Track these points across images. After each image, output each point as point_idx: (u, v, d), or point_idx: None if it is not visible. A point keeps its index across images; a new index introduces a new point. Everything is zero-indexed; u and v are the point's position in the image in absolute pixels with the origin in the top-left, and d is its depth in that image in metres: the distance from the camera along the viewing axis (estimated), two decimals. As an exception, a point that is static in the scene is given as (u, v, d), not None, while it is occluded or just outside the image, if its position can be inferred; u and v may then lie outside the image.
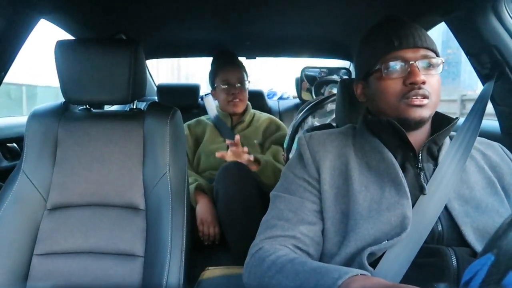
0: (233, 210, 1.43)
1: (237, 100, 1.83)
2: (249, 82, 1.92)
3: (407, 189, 0.79)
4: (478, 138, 0.93)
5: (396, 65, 0.83)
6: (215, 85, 1.88)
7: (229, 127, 1.86)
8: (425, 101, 0.81)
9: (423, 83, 0.80)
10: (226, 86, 1.83)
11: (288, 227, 0.80)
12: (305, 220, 0.81)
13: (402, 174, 0.81)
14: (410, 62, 0.82)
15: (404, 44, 0.83)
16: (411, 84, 0.80)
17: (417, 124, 0.83)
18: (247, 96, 1.90)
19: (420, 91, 0.80)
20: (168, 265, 1.02)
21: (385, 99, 0.84)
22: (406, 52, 0.82)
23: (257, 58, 2.45)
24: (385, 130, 0.86)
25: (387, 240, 0.75)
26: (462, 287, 0.44)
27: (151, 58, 2.44)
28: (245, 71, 1.90)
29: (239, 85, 1.84)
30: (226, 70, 1.85)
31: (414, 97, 0.81)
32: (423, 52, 0.83)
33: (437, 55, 0.85)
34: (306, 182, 0.85)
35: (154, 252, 1.07)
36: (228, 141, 1.64)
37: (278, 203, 0.85)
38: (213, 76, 1.89)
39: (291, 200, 0.84)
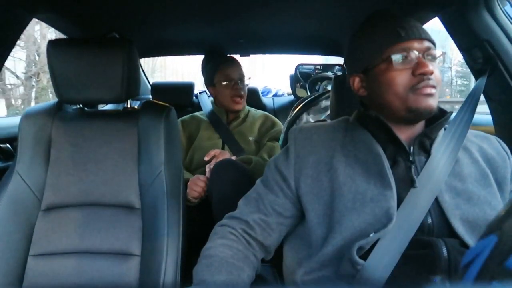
0: (228, 208, 1.42)
1: (239, 98, 1.82)
2: (249, 78, 1.92)
3: (392, 181, 0.80)
4: (475, 131, 0.94)
5: (404, 56, 0.82)
6: (215, 81, 1.85)
7: (225, 123, 1.85)
8: (434, 90, 0.82)
9: (432, 73, 0.81)
10: (228, 82, 1.82)
11: (247, 212, 0.90)
12: (261, 210, 0.89)
13: (388, 166, 0.82)
14: (418, 53, 0.82)
15: (411, 34, 0.83)
16: (420, 75, 0.80)
17: (428, 114, 0.83)
18: (247, 93, 1.89)
19: (430, 82, 0.81)
20: (164, 263, 1.02)
21: (393, 90, 0.83)
22: (413, 43, 0.82)
23: (251, 55, 2.45)
24: (374, 125, 0.87)
25: (374, 233, 0.76)
26: (462, 269, 0.44)
27: (145, 56, 2.42)
28: (242, 68, 1.90)
29: (240, 81, 1.84)
30: (228, 66, 1.84)
31: (424, 88, 0.81)
32: (427, 43, 0.84)
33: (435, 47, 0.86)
34: (280, 176, 0.91)
35: (150, 251, 1.06)
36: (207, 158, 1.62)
37: (253, 189, 0.95)
38: (213, 72, 1.86)
39: (260, 189, 0.93)
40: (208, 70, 1.90)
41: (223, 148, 1.76)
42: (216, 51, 2.03)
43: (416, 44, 0.83)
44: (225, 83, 1.82)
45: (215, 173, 1.47)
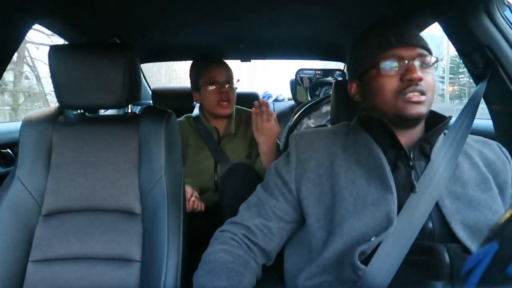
0: None
1: (226, 102, 1.67)
2: (238, 81, 1.77)
3: (393, 185, 0.80)
4: (475, 137, 0.94)
5: (393, 62, 0.84)
6: (200, 85, 1.70)
7: (216, 139, 1.73)
8: (423, 97, 0.82)
9: (420, 79, 0.81)
10: (214, 87, 1.67)
11: (247, 217, 0.90)
12: (262, 215, 0.89)
13: (389, 170, 0.82)
14: (407, 60, 0.83)
15: (401, 42, 0.84)
16: (408, 81, 0.81)
17: (415, 120, 0.85)
18: (235, 96, 1.75)
19: (418, 87, 0.82)
20: (165, 269, 1.01)
21: (382, 95, 0.85)
22: (403, 50, 0.84)
23: (251, 60, 2.45)
24: (376, 128, 0.87)
25: (375, 237, 0.76)
26: (463, 277, 0.43)
27: (145, 62, 2.43)
28: (231, 70, 1.74)
29: (227, 84, 1.69)
30: (213, 68, 1.69)
31: (411, 93, 0.82)
32: (419, 50, 0.84)
33: (431, 55, 0.87)
34: (281, 180, 0.91)
35: (151, 256, 1.06)
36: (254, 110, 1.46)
37: (254, 194, 0.95)
38: (197, 76, 1.72)
39: (260, 194, 0.93)
40: (193, 74, 1.76)
41: (215, 167, 1.68)
42: (203, 54, 1.84)
43: (406, 51, 0.84)
44: (210, 87, 1.67)
45: (228, 175, 1.45)
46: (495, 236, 0.42)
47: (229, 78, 1.71)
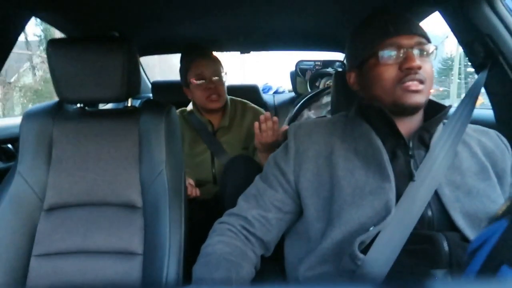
0: None
1: (215, 95, 1.66)
2: (225, 73, 1.73)
3: (391, 174, 0.80)
4: (474, 126, 0.94)
5: (392, 51, 0.83)
6: (189, 81, 1.69)
7: (211, 132, 1.73)
8: (421, 86, 0.82)
9: (419, 68, 0.81)
10: (201, 81, 1.66)
11: (245, 208, 0.90)
12: (260, 206, 0.89)
13: (388, 159, 0.83)
14: (406, 49, 0.83)
15: (400, 30, 0.84)
16: (407, 70, 0.81)
17: (413, 109, 0.85)
18: (226, 90, 1.73)
19: (416, 76, 0.82)
20: (167, 261, 1.02)
21: (381, 85, 0.85)
22: (402, 38, 0.84)
23: (251, 52, 2.44)
24: (376, 117, 0.87)
25: (374, 226, 0.76)
26: (468, 257, 0.43)
27: (145, 55, 2.42)
28: (220, 63, 1.73)
29: (215, 78, 1.67)
30: (199, 63, 1.67)
31: (410, 82, 0.81)
32: (417, 39, 0.84)
33: (430, 43, 0.86)
34: (280, 171, 0.91)
35: (153, 250, 1.07)
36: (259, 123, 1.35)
37: (252, 185, 0.96)
38: (185, 71, 1.71)
39: (259, 185, 0.93)
40: (182, 71, 1.74)
41: (212, 160, 1.68)
42: (192, 47, 1.79)
43: (404, 40, 0.83)
44: (197, 82, 1.66)
45: (228, 168, 1.45)
46: (505, 214, 0.42)
47: (217, 72, 1.69)
